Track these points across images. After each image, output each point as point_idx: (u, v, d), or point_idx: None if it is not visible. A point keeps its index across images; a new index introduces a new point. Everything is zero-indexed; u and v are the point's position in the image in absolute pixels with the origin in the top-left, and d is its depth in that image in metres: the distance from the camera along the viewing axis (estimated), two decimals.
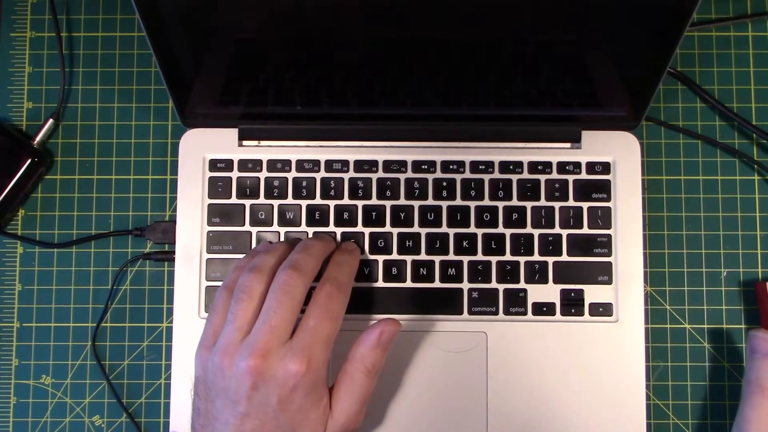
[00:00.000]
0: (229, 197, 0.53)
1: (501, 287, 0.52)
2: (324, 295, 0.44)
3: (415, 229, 0.52)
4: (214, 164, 0.53)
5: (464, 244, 0.52)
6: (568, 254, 0.52)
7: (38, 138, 0.54)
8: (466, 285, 0.52)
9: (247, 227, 0.52)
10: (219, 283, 0.52)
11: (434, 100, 0.52)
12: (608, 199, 0.53)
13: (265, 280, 0.44)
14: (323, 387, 0.44)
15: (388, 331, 0.45)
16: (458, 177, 0.53)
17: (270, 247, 0.47)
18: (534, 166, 0.53)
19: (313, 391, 0.43)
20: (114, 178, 0.55)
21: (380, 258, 0.52)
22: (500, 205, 0.52)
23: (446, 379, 0.51)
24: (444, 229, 0.52)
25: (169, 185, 0.55)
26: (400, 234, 0.52)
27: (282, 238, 0.52)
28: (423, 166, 0.53)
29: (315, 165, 0.53)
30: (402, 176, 0.53)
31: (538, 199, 0.53)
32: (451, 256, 0.52)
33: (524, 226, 0.52)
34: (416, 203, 0.53)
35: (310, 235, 0.52)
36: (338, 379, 0.45)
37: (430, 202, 0.53)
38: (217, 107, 0.52)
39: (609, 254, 0.52)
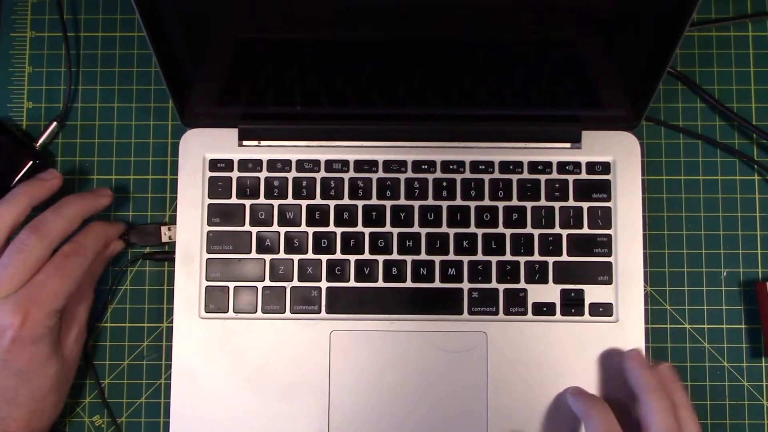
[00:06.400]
0: (229, 197, 0.53)
1: (501, 287, 0.52)
2: (60, 255, 0.47)
3: (415, 229, 0.52)
4: (214, 164, 0.53)
5: (464, 244, 0.52)
6: (568, 254, 0.52)
7: (41, 140, 0.54)
8: (466, 285, 0.52)
9: (247, 227, 0.52)
10: (219, 283, 0.52)
11: (434, 100, 0.52)
12: (608, 199, 0.53)
13: None
14: (50, 341, 0.46)
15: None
16: (458, 177, 0.53)
17: (8, 200, 0.48)
18: (534, 166, 0.53)
19: (36, 343, 0.45)
20: (114, 178, 0.55)
21: (380, 258, 0.52)
22: (500, 205, 0.52)
23: (446, 379, 0.51)
24: (444, 229, 0.52)
25: (169, 185, 0.55)
26: (400, 234, 0.52)
27: (282, 239, 0.52)
28: (423, 166, 0.53)
29: (315, 165, 0.53)
30: (402, 176, 0.53)
31: (538, 199, 0.53)
32: (451, 256, 0.52)
33: (524, 226, 0.52)
34: (416, 203, 0.53)
35: (310, 236, 0.52)
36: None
37: (430, 202, 0.53)
38: (217, 107, 0.52)
39: (609, 254, 0.52)
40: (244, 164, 0.53)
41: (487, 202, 0.53)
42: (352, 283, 0.52)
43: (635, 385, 0.47)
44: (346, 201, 0.53)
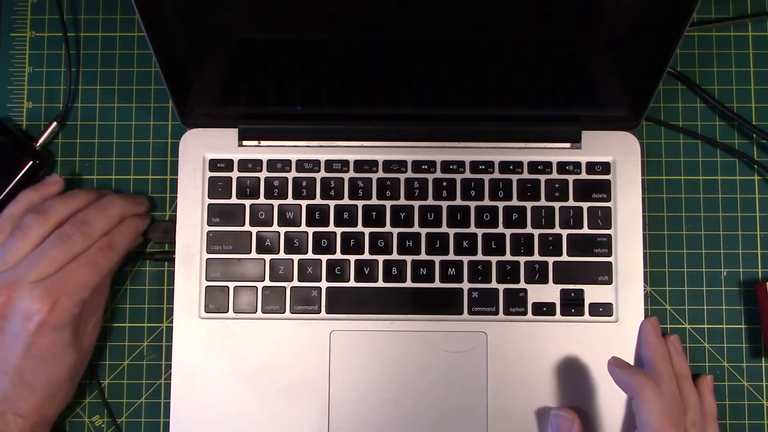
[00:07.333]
0: (229, 197, 0.53)
1: (501, 287, 0.52)
2: (94, 249, 0.48)
3: (415, 229, 0.52)
4: (214, 164, 0.53)
5: (464, 244, 0.52)
6: (568, 254, 0.52)
7: (41, 140, 0.54)
8: (466, 285, 0.52)
9: (247, 227, 0.52)
10: (219, 283, 0.52)
11: (434, 100, 0.52)
12: (608, 199, 0.53)
13: (48, 225, 0.47)
14: (72, 329, 0.47)
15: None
16: (458, 177, 0.53)
17: (70, 196, 0.50)
18: (534, 166, 0.53)
19: (60, 330, 0.46)
20: (114, 178, 0.55)
21: (380, 258, 0.52)
22: (500, 205, 0.52)
23: (446, 379, 0.51)
24: (444, 229, 0.52)
25: (169, 185, 0.55)
26: (400, 234, 0.52)
27: (282, 239, 0.52)
28: (423, 166, 0.53)
29: (315, 165, 0.53)
30: (402, 176, 0.53)
31: (538, 199, 0.53)
32: (451, 256, 0.52)
33: (524, 226, 0.52)
34: (416, 203, 0.53)
35: (310, 236, 0.52)
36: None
37: (430, 202, 0.53)
38: (217, 107, 0.52)
39: (609, 254, 0.52)
40: (244, 164, 0.53)
41: (487, 202, 0.53)
42: (352, 283, 0.52)
43: (647, 351, 0.49)
44: (346, 201, 0.53)
